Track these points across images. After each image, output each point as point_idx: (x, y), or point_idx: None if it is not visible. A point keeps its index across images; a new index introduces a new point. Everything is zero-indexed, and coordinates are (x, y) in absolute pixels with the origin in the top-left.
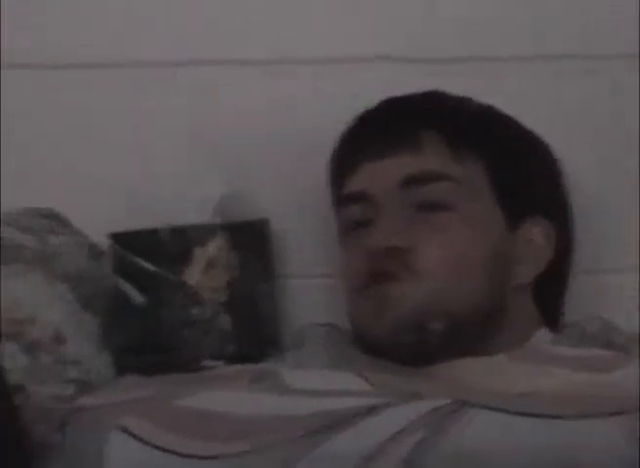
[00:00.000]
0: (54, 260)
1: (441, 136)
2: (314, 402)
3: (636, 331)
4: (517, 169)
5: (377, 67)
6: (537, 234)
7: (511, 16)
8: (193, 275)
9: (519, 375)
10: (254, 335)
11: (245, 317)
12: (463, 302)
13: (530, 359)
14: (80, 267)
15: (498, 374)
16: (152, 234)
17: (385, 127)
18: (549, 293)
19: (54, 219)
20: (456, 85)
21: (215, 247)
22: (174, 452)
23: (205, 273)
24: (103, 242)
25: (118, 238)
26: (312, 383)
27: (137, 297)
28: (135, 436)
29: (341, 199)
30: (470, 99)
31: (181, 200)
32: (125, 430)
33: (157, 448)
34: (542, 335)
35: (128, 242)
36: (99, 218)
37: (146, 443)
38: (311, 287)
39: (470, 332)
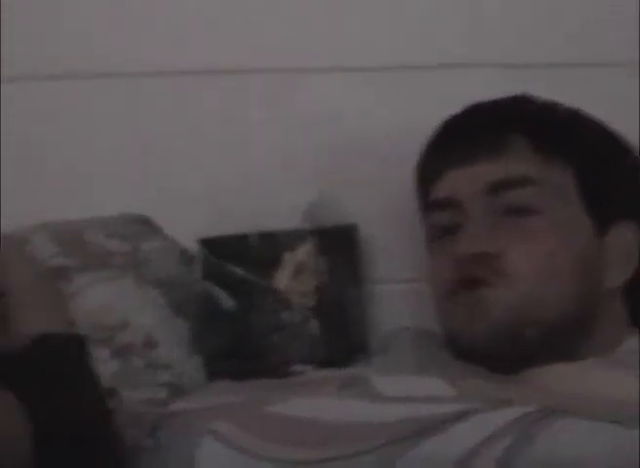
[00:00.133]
0: (145, 266)
1: (527, 140)
2: (403, 408)
3: None
4: (605, 174)
5: (461, 73)
6: (625, 238)
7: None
8: (282, 280)
9: (610, 381)
10: (342, 340)
11: (333, 322)
12: (553, 308)
13: (621, 364)
14: (171, 273)
15: (588, 380)
16: (242, 239)
17: (471, 132)
18: (639, 297)
19: (145, 225)
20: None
21: (304, 252)
22: (263, 458)
23: (294, 278)
24: (194, 247)
25: (208, 243)
26: (401, 389)
27: (226, 302)
28: (225, 441)
29: (428, 205)
30: (557, 104)
31: (271, 205)
32: (216, 435)
33: (247, 453)
34: (634, 340)
35: (217, 247)
36: (189, 224)
37: (237, 448)
38: (399, 292)
39: (561, 338)
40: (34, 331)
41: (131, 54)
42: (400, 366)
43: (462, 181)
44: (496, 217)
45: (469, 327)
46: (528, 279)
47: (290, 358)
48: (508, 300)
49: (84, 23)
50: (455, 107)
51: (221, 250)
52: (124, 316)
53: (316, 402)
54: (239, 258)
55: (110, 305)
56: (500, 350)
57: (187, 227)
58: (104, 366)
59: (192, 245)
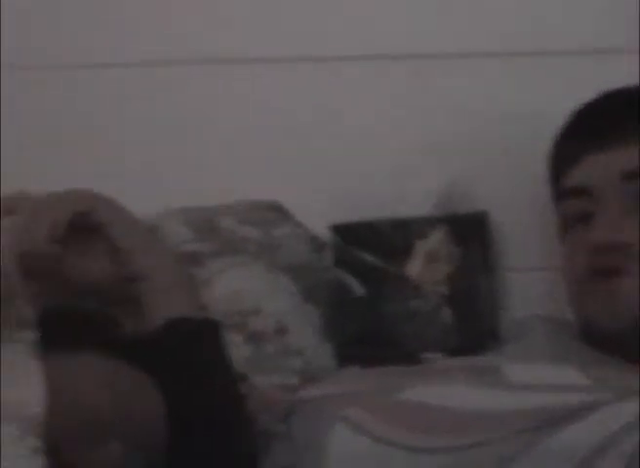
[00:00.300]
0: (276, 252)
1: None
2: (536, 397)
3: None
4: None
5: (589, 59)
6: None
7: None
8: (414, 268)
9: None
10: (474, 328)
11: (465, 310)
12: None
13: None
14: (302, 259)
15: None
16: (373, 226)
17: (607, 120)
18: None
19: (276, 212)
20: None
21: (436, 239)
22: (395, 445)
23: (426, 266)
24: (325, 234)
25: (339, 230)
26: (533, 378)
27: (357, 290)
28: (357, 428)
29: (561, 193)
30: None
31: (402, 192)
32: (347, 422)
33: (379, 440)
34: None
35: (349, 234)
36: (320, 210)
37: (368, 435)
38: (529, 279)
39: None
40: (169, 316)
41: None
42: (532, 354)
43: (597, 168)
44: (631, 206)
45: (605, 315)
46: None
47: (421, 346)
48: None
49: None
50: (586, 93)
51: (353, 237)
52: (256, 302)
53: (448, 389)
54: (370, 245)
55: (243, 291)
56: (637, 340)
57: (319, 214)
58: (237, 351)
59: (323, 231)
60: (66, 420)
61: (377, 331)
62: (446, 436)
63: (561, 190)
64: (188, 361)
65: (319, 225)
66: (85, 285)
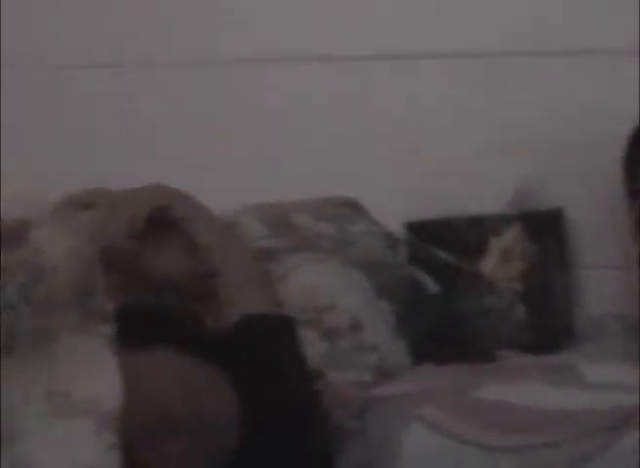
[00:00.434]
0: (351, 248)
1: None
2: (612, 396)
3: None
4: None
5: None
6: None
7: None
8: (488, 265)
9: None
10: (548, 326)
11: (539, 307)
12: None
13: None
14: (376, 255)
15: None
16: (447, 223)
17: None
18: None
19: (351, 208)
20: None
21: (510, 236)
22: (469, 443)
23: (500, 263)
24: (399, 231)
25: (413, 227)
26: (609, 377)
27: (431, 287)
28: (432, 426)
29: (635, 193)
30: None
31: (477, 190)
32: (423, 420)
33: (454, 438)
34: None
35: (423, 231)
36: (394, 207)
37: (443, 433)
38: (605, 277)
39: None
40: (245, 312)
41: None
42: (607, 353)
43: None
44: None
45: None
46: None
47: (495, 343)
48: None
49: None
50: None
51: (427, 234)
52: (331, 298)
53: (523, 388)
54: (445, 243)
55: (318, 287)
56: None
57: (393, 211)
58: (312, 347)
59: (398, 229)
60: (138, 416)
61: (450, 328)
62: (520, 435)
63: (635, 190)
64: (264, 358)
65: (393, 222)
66: (162, 280)
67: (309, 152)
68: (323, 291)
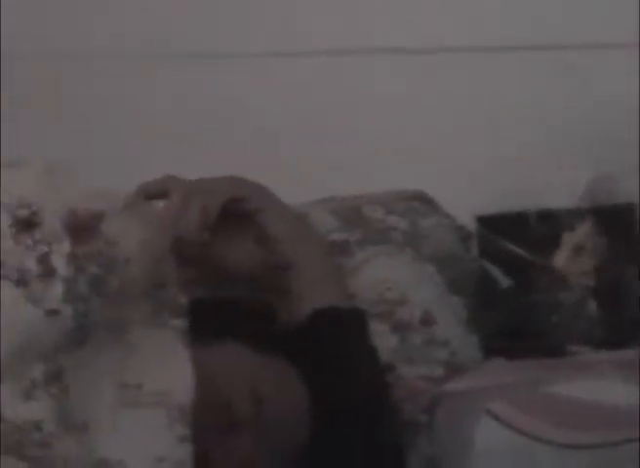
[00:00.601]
0: (423, 242)
1: None
2: None
3: None
4: None
5: None
6: None
7: None
8: (561, 259)
9: None
10: (620, 321)
11: (611, 302)
12: None
13: None
14: (448, 249)
15: None
16: (519, 217)
17: None
18: None
19: (423, 201)
20: None
21: (583, 231)
22: (540, 439)
23: (572, 258)
24: (470, 224)
25: (485, 221)
26: None
27: (503, 281)
28: (503, 422)
29: None
30: None
31: (550, 183)
32: (493, 415)
33: (525, 434)
34: None
35: (494, 224)
36: (465, 200)
37: (514, 429)
38: None
39: None
40: (317, 305)
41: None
42: None
43: None
44: None
45: None
46: None
47: (567, 338)
48: None
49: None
50: None
51: (499, 227)
52: (403, 291)
53: (595, 384)
54: (517, 236)
55: (390, 280)
56: None
57: (464, 204)
58: (383, 341)
59: (469, 222)
60: (202, 410)
61: (522, 322)
62: (592, 432)
63: None
64: (335, 351)
65: (464, 216)
66: (235, 273)
67: (380, 145)
68: (395, 284)
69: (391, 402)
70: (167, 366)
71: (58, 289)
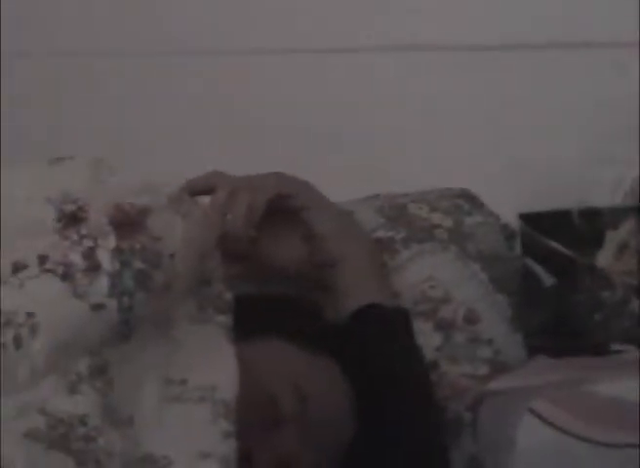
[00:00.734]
0: (467, 240)
1: None
2: None
3: None
4: None
5: None
6: None
7: None
8: (604, 258)
9: None
10: None
11: None
12: None
13: None
14: (492, 247)
15: None
16: (563, 215)
17: None
18: None
19: (468, 199)
20: None
21: (627, 229)
22: (584, 439)
23: (616, 256)
24: (514, 223)
25: (528, 219)
26: None
27: (546, 280)
28: (546, 421)
29: None
30: None
31: (594, 181)
32: (536, 414)
33: (568, 433)
34: None
35: (538, 223)
36: (509, 198)
37: (557, 428)
38: None
39: None
40: (362, 303)
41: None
42: None
43: None
44: None
45: None
46: None
47: (610, 337)
48: None
49: None
50: None
51: (542, 225)
52: (447, 289)
53: (637, 384)
54: (560, 235)
55: (434, 278)
56: None
57: (507, 202)
58: (427, 339)
59: (512, 220)
60: (245, 406)
61: (566, 321)
62: (634, 432)
63: None
64: (379, 349)
65: (508, 214)
66: (280, 270)
67: (425, 143)
68: (439, 282)
69: (435, 400)
70: (212, 361)
71: (103, 283)
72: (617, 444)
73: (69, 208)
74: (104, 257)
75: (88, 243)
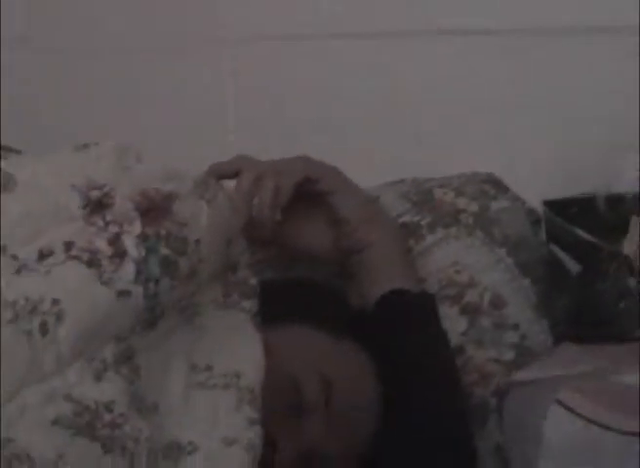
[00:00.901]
0: (493, 225)
1: None
2: None
3: None
4: None
5: None
6: None
7: None
8: (630, 245)
9: None
10: None
11: None
12: None
13: None
14: (518, 233)
15: None
16: (588, 202)
17: None
18: None
19: (493, 185)
20: None
21: None
22: (612, 430)
23: None
24: (538, 208)
25: (553, 205)
26: None
27: (571, 266)
28: (573, 411)
29: None
30: None
31: (619, 167)
32: (564, 405)
33: (596, 424)
34: None
35: (562, 209)
36: (534, 185)
37: (585, 419)
38: None
39: None
40: (388, 288)
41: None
42: None
43: None
44: None
45: None
46: None
47: (635, 324)
48: None
49: None
50: None
51: (567, 212)
52: (472, 274)
53: None
54: (585, 222)
55: (460, 263)
56: None
57: (533, 188)
58: (453, 324)
59: (537, 206)
60: (270, 392)
61: (591, 308)
62: None
63: None
64: (405, 334)
65: (533, 200)
66: (306, 255)
67: (450, 128)
68: (464, 267)
69: (461, 386)
70: (237, 347)
71: (129, 270)
72: None
73: (95, 194)
74: (130, 244)
75: (113, 229)
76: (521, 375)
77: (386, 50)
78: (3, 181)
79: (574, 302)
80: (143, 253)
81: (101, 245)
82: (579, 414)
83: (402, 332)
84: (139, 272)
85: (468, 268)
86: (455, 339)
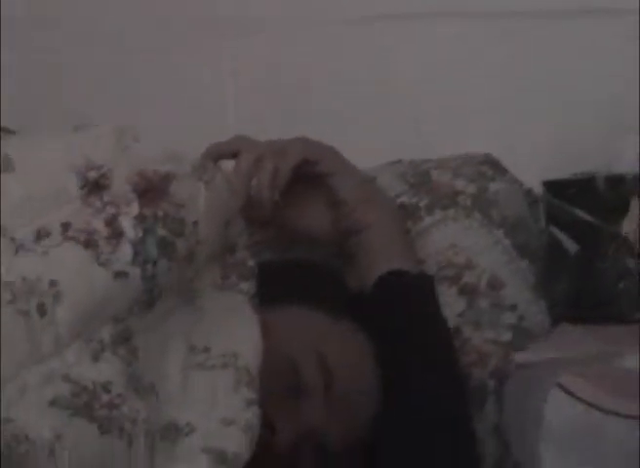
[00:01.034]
0: (491, 206)
1: None
2: None
3: None
4: None
5: None
6: None
7: None
8: (629, 225)
9: None
10: None
11: None
12: None
13: None
14: (516, 214)
15: None
16: (587, 182)
17: None
18: None
19: (491, 166)
20: None
21: None
22: (612, 413)
23: None
24: (537, 189)
25: (552, 186)
26: None
27: (570, 247)
28: (574, 395)
29: None
30: None
31: (618, 148)
32: (564, 389)
33: (596, 408)
34: None
35: (561, 190)
36: (533, 165)
37: (586, 403)
38: None
39: None
40: (386, 269)
41: None
42: None
43: None
44: None
45: None
46: None
47: (635, 306)
48: None
49: None
50: None
51: (566, 192)
52: (470, 256)
53: None
54: (584, 202)
55: (457, 245)
56: None
57: (531, 169)
58: (451, 305)
59: (536, 187)
60: (268, 374)
61: (590, 289)
62: None
63: None
64: (403, 315)
65: (532, 181)
66: (304, 235)
67: (449, 111)
68: (462, 248)
69: (459, 367)
70: (235, 329)
71: (126, 251)
72: None
73: (92, 175)
74: (127, 225)
75: (111, 210)
76: (521, 357)
77: (386, 33)
78: (3, 162)
79: (572, 283)
80: (141, 235)
81: (99, 226)
82: (579, 398)
83: (401, 313)
84: (136, 253)
85: (466, 250)
86: (452, 320)
